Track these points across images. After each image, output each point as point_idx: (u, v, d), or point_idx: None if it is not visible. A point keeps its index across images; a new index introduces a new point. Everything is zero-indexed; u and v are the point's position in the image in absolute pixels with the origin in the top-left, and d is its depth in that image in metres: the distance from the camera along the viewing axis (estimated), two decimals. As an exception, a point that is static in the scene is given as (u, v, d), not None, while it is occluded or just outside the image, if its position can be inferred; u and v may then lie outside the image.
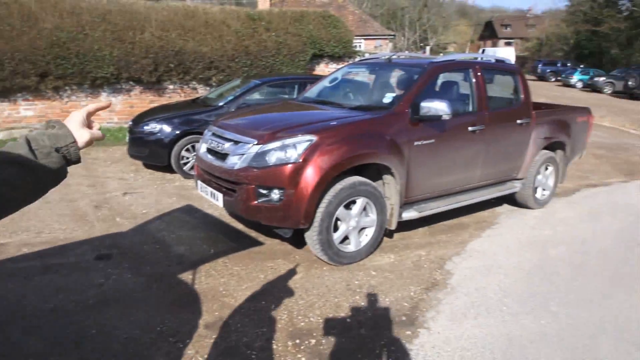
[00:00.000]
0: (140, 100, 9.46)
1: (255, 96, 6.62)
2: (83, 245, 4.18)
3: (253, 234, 4.53)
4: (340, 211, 3.70)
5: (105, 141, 8.58)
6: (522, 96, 5.10)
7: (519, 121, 4.99)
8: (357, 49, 27.12)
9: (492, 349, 2.83)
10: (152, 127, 6.25)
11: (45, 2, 8.67)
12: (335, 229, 3.78)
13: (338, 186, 3.62)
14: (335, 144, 3.53)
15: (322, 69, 10.84)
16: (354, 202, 3.79)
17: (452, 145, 4.37)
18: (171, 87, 9.61)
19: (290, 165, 3.44)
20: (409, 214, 4.19)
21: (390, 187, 4.01)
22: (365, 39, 26.80)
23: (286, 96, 6.63)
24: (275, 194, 3.51)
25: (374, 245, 4.03)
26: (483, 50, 41.27)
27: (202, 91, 9.59)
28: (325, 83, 5.25)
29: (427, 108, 3.93)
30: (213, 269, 3.80)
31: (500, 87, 5.24)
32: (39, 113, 8.96)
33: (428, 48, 25.47)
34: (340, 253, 3.79)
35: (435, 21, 55.88)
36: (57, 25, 8.38)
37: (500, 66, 5.16)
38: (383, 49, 26.09)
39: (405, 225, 4.66)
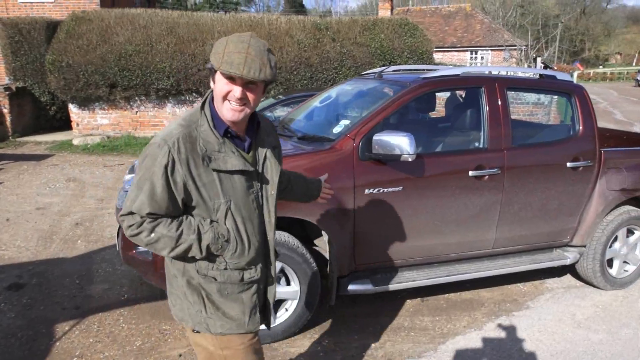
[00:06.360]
0: (203, 112, 9.42)
1: (273, 114, 5.89)
2: (11, 270, 3.91)
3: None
4: (239, 276, 2.75)
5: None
6: (579, 127, 3.49)
7: (569, 164, 3.40)
8: (480, 59, 24.65)
9: None
10: None
11: (124, 18, 9.14)
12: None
13: (232, 243, 2.69)
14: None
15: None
16: (265, 264, 2.81)
17: (436, 195, 3.07)
18: (232, 99, 9.40)
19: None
20: (359, 287, 3.02)
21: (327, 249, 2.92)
22: (492, 50, 24.32)
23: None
24: (148, 246, 2.73)
25: (298, 325, 2.97)
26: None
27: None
28: (315, 102, 4.29)
29: (379, 143, 2.76)
30: (99, 322, 3.16)
31: (542, 114, 3.68)
32: (112, 122, 9.48)
33: (539, 60, 21.67)
34: (239, 331, 2.83)
35: (594, 29, 48.76)
36: (127, 39, 8.74)
37: (545, 84, 3.60)
38: (512, 61, 23.34)
39: (390, 294, 3.50)
